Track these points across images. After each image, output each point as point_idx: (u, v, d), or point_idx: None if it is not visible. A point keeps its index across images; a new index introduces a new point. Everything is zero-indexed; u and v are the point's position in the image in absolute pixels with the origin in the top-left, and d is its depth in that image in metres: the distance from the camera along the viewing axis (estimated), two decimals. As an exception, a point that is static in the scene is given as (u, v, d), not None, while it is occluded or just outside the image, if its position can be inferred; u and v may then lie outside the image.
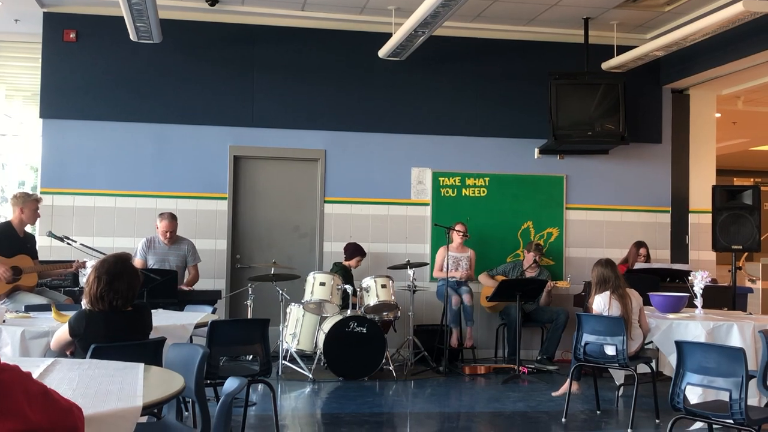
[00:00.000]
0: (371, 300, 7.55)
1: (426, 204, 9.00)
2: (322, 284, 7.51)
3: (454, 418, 6.46)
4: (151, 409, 2.87)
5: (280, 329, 7.57)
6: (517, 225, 9.13)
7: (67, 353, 4.05)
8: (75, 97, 8.39)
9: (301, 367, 7.44)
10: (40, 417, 2.13)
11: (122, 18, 7.24)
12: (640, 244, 8.79)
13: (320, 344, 7.43)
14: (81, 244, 6.57)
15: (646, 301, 6.35)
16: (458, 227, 8.47)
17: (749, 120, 11.92)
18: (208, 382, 4.61)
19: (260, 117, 8.70)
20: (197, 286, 7.64)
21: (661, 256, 9.31)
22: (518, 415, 6.22)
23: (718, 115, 10.09)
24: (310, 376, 7.30)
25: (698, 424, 5.46)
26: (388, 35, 8.01)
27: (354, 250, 8.33)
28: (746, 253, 9.75)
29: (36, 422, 2.11)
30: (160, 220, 7.60)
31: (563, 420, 5.98)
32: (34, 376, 2.28)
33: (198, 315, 5.44)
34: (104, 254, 4.64)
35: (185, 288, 7.39)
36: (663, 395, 5.54)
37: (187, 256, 7.66)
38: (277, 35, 8.75)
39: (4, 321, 4.68)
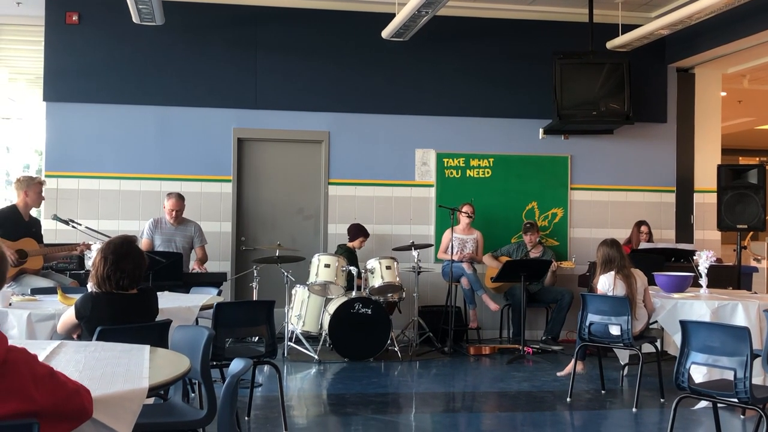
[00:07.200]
0: (376, 281, 7.56)
1: (430, 185, 8.99)
2: (327, 266, 7.52)
3: (459, 397, 6.49)
4: (157, 390, 2.88)
5: (286, 311, 7.59)
6: (521, 206, 9.12)
7: (74, 336, 4.06)
8: (78, 80, 8.37)
9: (306, 349, 7.47)
10: (47, 398, 2.14)
11: (124, 0, 7.21)
12: (641, 223, 8.79)
13: (325, 326, 7.46)
14: (86, 227, 6.58)
15: (651, 281, 6.35)
16: (465, 208, 8.44)
17: (755, 99, 11.85)
18: (214, 363, 4.62)
19: (263, 99, 8.68)
20: (202, 268, 7.66)
21: (666, 236, 9.29)
22: (523, 395, 6.24)
23: (723, 93, 10.02)
24: (316, 357, 7.33)
25: (703, 403, 5.48)
26: (391, 15, 7.96)
27: (357, 231, 8.33)
28: (751, 233, 9.72)
29: (42, 403, 2.12)
30: (168, 198, 7.62)
31: (568, 399, 6.00)
32: (41, 358, 2.29)
33: (203, 297, 5.46)
34: (109, 237, 4.65)
35: (197, 268, 7.43)
36: (668, 374, 5.58)
37: (194, 238, 7.68)
38: (280, 16, 8.71)
39: (10, 304, 4.69)
